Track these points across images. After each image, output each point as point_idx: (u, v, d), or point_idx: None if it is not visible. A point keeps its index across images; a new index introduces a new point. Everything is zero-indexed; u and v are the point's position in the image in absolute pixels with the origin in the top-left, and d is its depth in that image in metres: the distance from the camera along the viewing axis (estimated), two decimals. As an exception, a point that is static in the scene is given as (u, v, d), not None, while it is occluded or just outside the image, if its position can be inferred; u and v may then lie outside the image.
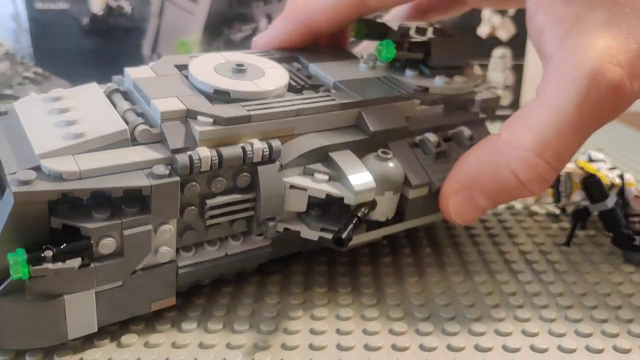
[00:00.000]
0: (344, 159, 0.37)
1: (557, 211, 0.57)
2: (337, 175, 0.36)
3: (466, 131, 0.43)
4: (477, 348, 0.36)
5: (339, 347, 0.36)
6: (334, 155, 0.37)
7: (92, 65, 0.86)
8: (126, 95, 0.37)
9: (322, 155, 0.37)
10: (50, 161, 0.31)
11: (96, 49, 0.86)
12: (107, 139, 0.33)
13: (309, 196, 0.36)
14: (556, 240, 0.51)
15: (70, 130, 0.32)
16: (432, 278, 0.44)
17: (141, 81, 0.36)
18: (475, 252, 0.49)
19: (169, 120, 0.33)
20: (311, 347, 0.36)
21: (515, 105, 0.96)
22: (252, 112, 0.34)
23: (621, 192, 0.53)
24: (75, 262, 0.31)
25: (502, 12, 0.91)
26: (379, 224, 0.39)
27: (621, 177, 0.54)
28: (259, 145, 0.34)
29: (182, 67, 0.39)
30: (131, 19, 0.85)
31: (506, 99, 0.95)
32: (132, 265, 0.33)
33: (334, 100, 0.38)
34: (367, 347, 0.36)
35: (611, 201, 0.48)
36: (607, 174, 0.54)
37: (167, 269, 0.35)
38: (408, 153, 0.40)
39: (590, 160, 0.58)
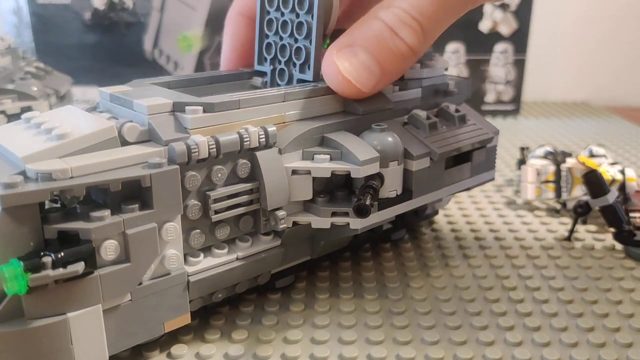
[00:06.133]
0: (343, 137, 0.37)
1: (558, 206, 0.57)
2: (337, 154, 0.36)
3: (452, 106, 0.44)
4: (479, 342, 0.37)
5: None
6: (331, 135, 0.37)
7: (94, 60, 0.86)
8: (104, 112, 0.36)
9: (318, 139, 0.37)
10: (36, 164, 0.28)
11: (98, 44, 0.86)
12: (94, 138, 0.30)
13: (313, 182, 0.36)
14: (557, 235, 0.51)
15: (52, 133, 0.30)
16: (434, 273, 0.44)
17: (119, 93, 0.35)
18: (477, 246, 0.49)
19: (155, 114, 0.32)
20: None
21: (517, 99, 0.96)
22: (240, 98, 0.34)
23: (622, 188, 0.53)
24: (79, 266, 0.28)
25: (504, 7, 0.90)
26: (389, 203, 0.39)
27: (622, 172, 0.54)
28: (254, 129, 0.34)
29: (157, 84, 0.38)
30: (133, 14, 0.85)
31: (507, 93, 0.95)
32: (140, 271, 0.31)
33: (317, 85, 0.38)
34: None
35: (612, 196, 0.48)
36: (608, 170, 0.54)
37: (177, 277, 0.33)
38: (401, 130, 0.40)
39: (592, 155, 0.58)
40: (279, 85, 0.42)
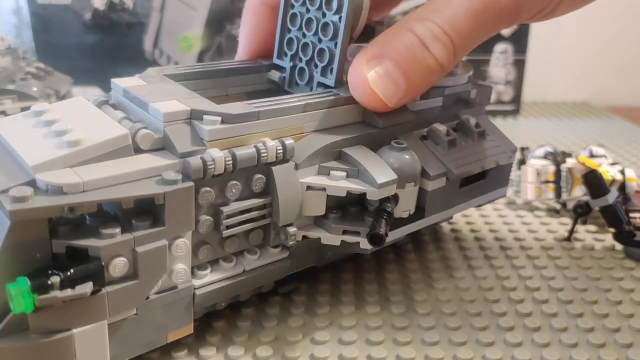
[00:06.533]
0: (361, 154, 0.35)
1: (558, 206, 0.57)
2: (354, 172, 0.35)
3: (472, 119, 0.43)
4: (479, 342, 0.37)
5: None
6: (349, 151, 0.35)
7: (94, 60, 0.86)
8: (116, 107, 0.34)
9: (335, 153, 0.35)
10: (47, 174, 0.27)
11: (98, 44, 0.86)
12: (107, 146, 0.29)
13: (327, 198, 0.35)
14: (557, 235, 0.51)
15: (64, 138, 0.29)
16: (435, 274, 0.44)
17: (133, 89, 0.34)
18: (477, 247, 0.49)
19: (172, 122, 0.31)
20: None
21: (516, 100, 0.96)
22: (260, 109, 0.33)
23: (622, 188, 0.53)
24: (87, 288, 0.27)
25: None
26: (401, 222, 0.38)
27: (622, 172, 0.54)
28: (272, 144, 0.32)
29: (171, 77, 0.37)
30: (133, 14, 0.85)
31: (507, 94, 0.95)
32: (147, 288, 0.30)
33: (338, 94, 0.37)
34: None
35: (612, 196, 0.48)
36: (608, 170, 0.54)
37: (183, 291, 0.32)
38: (419, 145, 0.39)
39: (592, 155, 0.58)
40: (297, 84, 0.41)
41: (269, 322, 0.38)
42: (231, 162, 0.31)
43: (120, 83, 0.34)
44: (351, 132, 0.36)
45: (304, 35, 0.39)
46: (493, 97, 0.95)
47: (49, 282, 0.26)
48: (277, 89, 0.41)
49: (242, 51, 0.45)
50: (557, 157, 0.57)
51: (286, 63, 0.41)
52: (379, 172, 0.35)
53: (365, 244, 0.35)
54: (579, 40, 1.09)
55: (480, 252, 0.48)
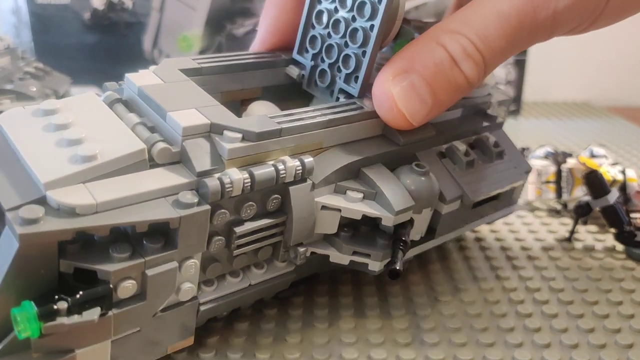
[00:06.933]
0: (380, 176, 0.34)
1: (559, 207, 0.57)
2: (371, 194, 0.34)
3: (491, 138, 0.41)
4: (479, 344, 0.36)
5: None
6: (368, 171, 0.34)
7: (93, 60, 0.86)
8: (129, 106, 0.32)
9: (353, 171, 0.34)
10: (59, 192, 0.26)
11: (97, 44, 0.85)
12: (123, 161, 0.28)
13: (340, 218, 0.34)
14: (558, 236, 0.51)
15: (79, 151, 0.27)
16: (434, 276, 0.44)
17: (149, 89, 0.32)
18: (477, 248, 0.49)
19: (191, 136, 0.29)
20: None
21: (517, 100, 0.96)
22: (283, 126, 0.31)
23: (623, 188, 0.53)
24: (95, 314, 0.26)
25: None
26: (411, 245, 0.37)
27: (623, 172, 0.54)
28: (291, 163, 0.31)
29: (187, 72, 0.35)
30: (132, 14, 0.84)
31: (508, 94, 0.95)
32: (154, 308, 0.29)
33: (361, 108, 0.35)
34: None
35: (613, 197, 0.48)
36: (609, 170, 0.54)
37: (188, 307, 0.31)
38: (437, 164, 0.37)
39: (592, 156, 0.58)
40: (317, 85, 0.38)
41: (267, 323, 0.38)
42: (249, 183, 0.30)
43: (134, 80, 0.33)
44: (371, 149, 0.35)
45: (330, 36, 0.37)
46: (493, 97, 0.95)
47: (56, 308, 0.25)
48: (294, 86, 0.40)
49: (260, 43, 0.42)
50: (557, 158, 0.57)
51: (307, 61, 0.38)
52: (397, 197, 0.33)
53: (374, 266, 0.35)
54: (580, 40, 1.09)
55: (481, 253, 0.48)
